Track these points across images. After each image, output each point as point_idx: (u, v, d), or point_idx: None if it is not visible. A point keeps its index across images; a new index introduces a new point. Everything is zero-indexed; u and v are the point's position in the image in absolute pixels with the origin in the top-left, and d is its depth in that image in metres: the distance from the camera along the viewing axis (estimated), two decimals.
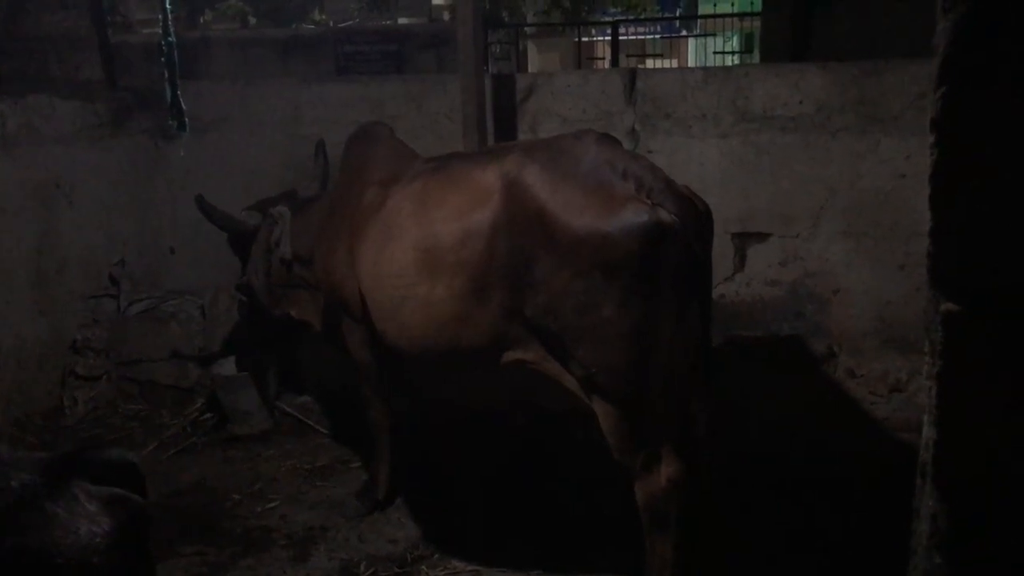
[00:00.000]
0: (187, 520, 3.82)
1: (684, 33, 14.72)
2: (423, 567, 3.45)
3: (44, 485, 1.78)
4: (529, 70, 12.72)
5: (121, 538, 1.78)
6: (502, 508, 3.81)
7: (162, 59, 4.37)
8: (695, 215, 2.78)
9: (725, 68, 5.31)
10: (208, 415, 4.88)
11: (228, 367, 4.86)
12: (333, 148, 4.25)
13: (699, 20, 13.19)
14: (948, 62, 1.21)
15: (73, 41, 5.60)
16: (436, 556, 3.53)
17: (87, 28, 5.67)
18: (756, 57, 9.83)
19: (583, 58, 12.31)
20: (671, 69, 8.06)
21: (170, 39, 4.34)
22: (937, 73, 1.23)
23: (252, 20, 16.56)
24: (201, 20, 15.67)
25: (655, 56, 13.42)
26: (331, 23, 15.28)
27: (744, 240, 4.40)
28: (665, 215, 2.65)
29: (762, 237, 4.36)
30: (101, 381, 5.06)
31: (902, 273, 4.15)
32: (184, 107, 4.44)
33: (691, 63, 13.07)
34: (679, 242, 2.66)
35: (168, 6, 4.26)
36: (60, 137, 4.98)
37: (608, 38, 11.77)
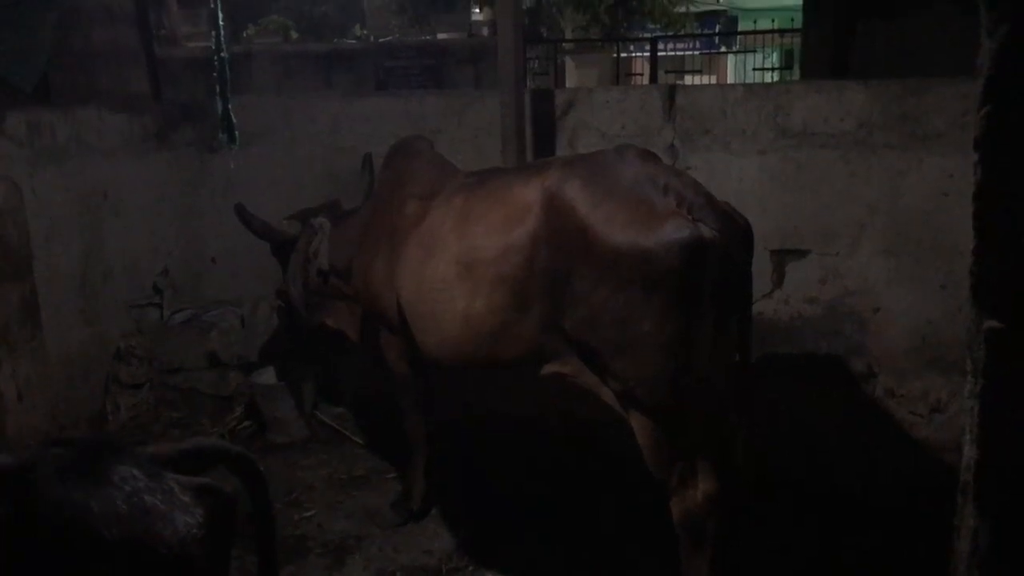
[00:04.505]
0: None
1: (723, 49, 14.70)
2: None
3: (141, 478, 1.81)
4: (567, 86, 12.77)
5: (214, 527, 1.82)
6: (534, 520, 3.82)
7: (214, 73, 4.47)
8: (736, 231, 2.78)
9: (765, 85, 5.29)
10: (247, 423, 4.95)
11: (267, 376, 4.92)
12: (375, 161, 4.30)
13: (739, 36, 13.16)
14: (992, 82, 1.22)
15: (121, 55, 5.70)
16: (470, 568, 3.55)
17: (135, 42, 5.79)
18: (796, 74, 9.79)
19: (621, 74, 12.36)
20: (711, 85, 8.05)
21: (223, 54, 4.44)
22: (981, 93, 1.24)
23: (294, 35, 16.78)
24: (244, 34, 15.90)
25: (694, 72, 13.43)
26: (372, 38, 15.45)
27: (783, 257, 4.37)
28: (706, 231, 2.65)
29: (801, 254, 4.34)
30: (143, 388, 5.14)
31: (943, 292, 4.10)
32: (235, 120, 4.53)
33: (730, 79, 13.07)
34: (720, 258, 2.66)
35: (220, 22, 4.36)
36: (108, 149, 5.07)
37: (647, 54, 11.79)
